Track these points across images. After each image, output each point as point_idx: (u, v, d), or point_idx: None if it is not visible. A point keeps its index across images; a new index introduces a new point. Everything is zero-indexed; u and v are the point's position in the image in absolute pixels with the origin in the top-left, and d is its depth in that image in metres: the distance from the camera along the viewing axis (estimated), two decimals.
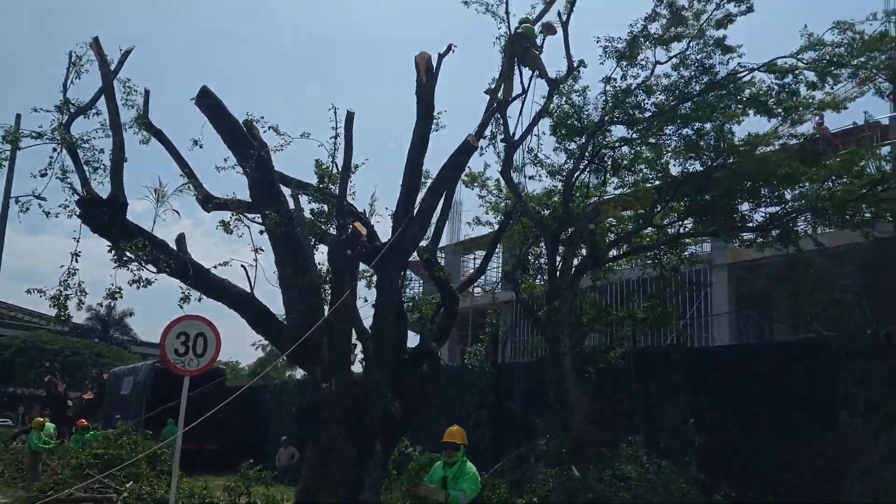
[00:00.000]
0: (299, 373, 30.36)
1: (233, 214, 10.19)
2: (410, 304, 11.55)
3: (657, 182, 13.82)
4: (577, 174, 13.39)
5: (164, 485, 12.20)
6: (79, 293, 8.47)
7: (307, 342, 9.87)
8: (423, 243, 11.34)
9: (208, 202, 10.33)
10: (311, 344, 9.92)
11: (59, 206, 8.11)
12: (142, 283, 8.42)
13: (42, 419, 16.28)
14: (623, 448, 10.78)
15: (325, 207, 10.58)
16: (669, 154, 13.67)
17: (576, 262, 13.22)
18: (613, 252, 13.77)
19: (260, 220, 10.31)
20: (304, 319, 9.92)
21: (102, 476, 11.52)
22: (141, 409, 24.09)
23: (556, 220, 13.20)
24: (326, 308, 10.07)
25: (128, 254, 8.25)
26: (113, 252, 8.22)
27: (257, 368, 28.74)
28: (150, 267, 8.64)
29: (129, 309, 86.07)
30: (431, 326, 11.28)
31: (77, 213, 8.25)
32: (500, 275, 28.73)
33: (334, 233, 10.52)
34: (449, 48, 10.77)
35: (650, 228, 13.73)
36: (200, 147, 10.06)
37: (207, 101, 10.04)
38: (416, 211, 10.80)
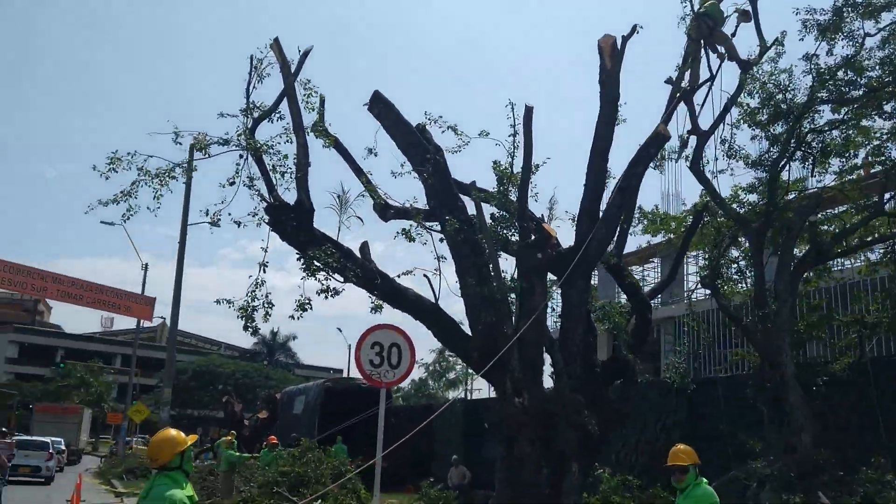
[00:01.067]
0: (455, 391, 30.01)
1: (414, 222, 9.77)
2: (599, 312, 10.61)
3: (878, 167, 12.04)
4: (783, 163, 11.90)
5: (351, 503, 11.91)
6: (266, 305, 8.26)
7: (495, 354, 9.21)
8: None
9: (387, 210, 9.96)
10: (500, 356, 9.25)
11: (249, 215, 7.94)
12: (329, 294, 8.08)
13: (230, 437, 16.76)
14: (864, 472, 9.23)
15: (506, 213, 9.90)
16: (887, 135, 11.90)
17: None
18: (836, 248, 12.00)
19: (439, 228, 9.82)
20: (491, 330, 9.28)
21: (291, 495, 11.37)
22: (313, 427, 24.48)
23: (759, 216, 11.77)
24: (513, 318, 9.36)
25: (316, 262, 7.93)
26: (301, 261, 7.94)
27: (420, 386, 28.70)
28: (337, 276, 8.29)
29: (292, 333, 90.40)
30: (626, 336, 10.30)
31: (266, 221, 8.04)
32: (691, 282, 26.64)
33: (516, 238, 9.83)
34: (634, 29, 9.86)
35: (879, 220, 11.89)
36: (375, 155, 9.72)
37: (380, 106, 9.72)
38: (602, 213, 9.92)
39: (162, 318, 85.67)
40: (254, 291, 8.27)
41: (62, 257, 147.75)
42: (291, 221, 7.92)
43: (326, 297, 8.12)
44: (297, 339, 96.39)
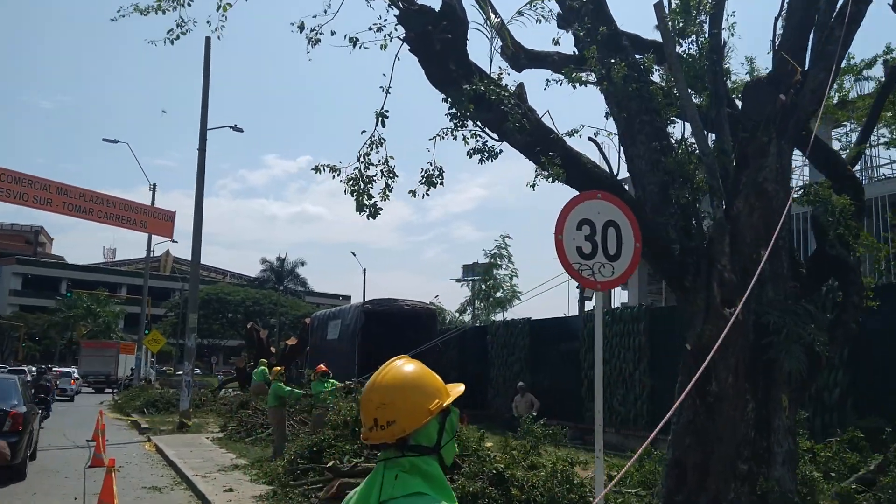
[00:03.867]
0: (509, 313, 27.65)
1: (553, 71, 6.97)
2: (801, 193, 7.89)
3: None
4: None
5: None
6: (386, 174, 5.57)
7: (689, 253, 6.58)
8: None
9: (519, 56, 7.12)
10: (693, 254, 6.63)
11: (372, 28, 5.13)
12: (485, 156, 5.37)
13: (280, 368, 14.30)
14: None
15: (697, 47, 7.05)
16: None
17: None
18: None
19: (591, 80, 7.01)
20: (678, 220, 6.64)
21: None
22: (353, 353, 22.19)
23: None
24: (719, 198, 6.64)
25: (463, 110, 5.17)
26: (450, 105, 5.19)
27: (463, 308, 26.39)
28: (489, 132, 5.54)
29: (300, 259, 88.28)
30: (841, 228, 7.61)
31: (401, 37, 5.25)
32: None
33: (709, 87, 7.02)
34: None
35: None
36: None
37: None
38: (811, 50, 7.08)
39: (175, 241, 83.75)
40: (367, 155, 5.56)
41: None
42: (440, 34, 5.10)
43: (481, 161, 5.43)
44: (305, 266, 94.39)
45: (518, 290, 27.73)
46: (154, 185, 35.45)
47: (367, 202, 5.55)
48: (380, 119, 5.51)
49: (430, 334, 23.47)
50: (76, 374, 38.40)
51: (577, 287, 24.75)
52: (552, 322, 19.82)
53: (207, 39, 20.60)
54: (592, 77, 7.05)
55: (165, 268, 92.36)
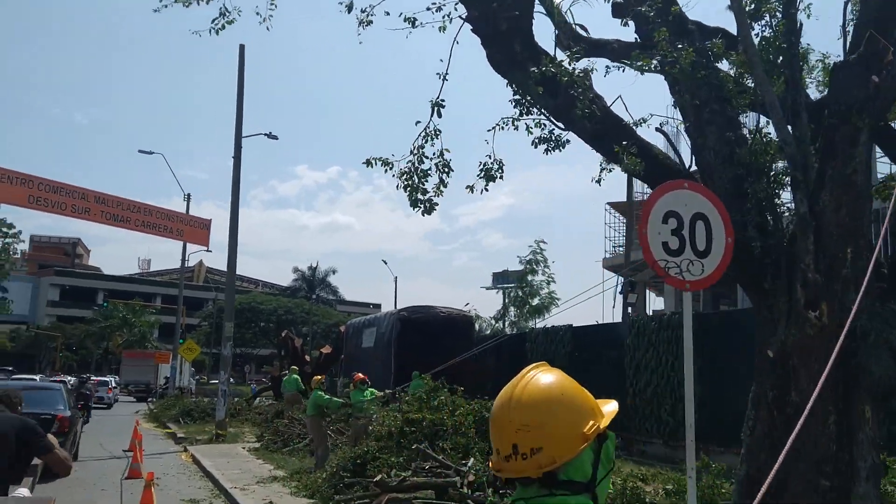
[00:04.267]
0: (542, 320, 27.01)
1: (637, 54, 6.51)
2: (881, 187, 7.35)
3: None
4: None
5: None
6: (441, 168, 5.17)
7: (767, 252, 6.10)
8: None
9: (579, 43, 6.66)
10: (772, 253, 6.13)
11: (430, 9, 4.74)
12: (551, 146, 4.94)
13: (320, 377, 13.92)
14: None
15: (771, 29, 6.55)
16: None
17: None
18: None
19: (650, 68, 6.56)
20: (754, 216, 6.14)
21: (428, 449, 8.52)
22: (389, 361, 21.84)
23: None
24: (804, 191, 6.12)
25: (526, 96, 4.75)
26: (514, 90, 4.77)
27: (500, 315, 25.88)
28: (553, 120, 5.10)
29: (331, 268, 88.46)
30: None
31: (462, 17, 4.85)
32: None
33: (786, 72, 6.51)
34: None
35: None
36: None
37: None
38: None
39: (209, 250, 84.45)
40: (421, 148, 5.17)
41: None
42: (505, 13, 4.69)
43: (547, 151, 5.01)
44: (336, 274, 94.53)
45: (556, 296, 27.27)
46: (188, 195, 35.50)
47: (421, 197, 5.14)
48: (435, 109, 5.12)
49: (468, 342, 23.05)
50: (113, 384, 39.93)
51: (620, 292, 24.16)
52: (595, 329, 19.27)
53: (241, 47, 20.49)
54: (657, 65, 6.61)
55: (199, 277, 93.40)
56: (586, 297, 22.37)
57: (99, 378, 40.20)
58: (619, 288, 22.74)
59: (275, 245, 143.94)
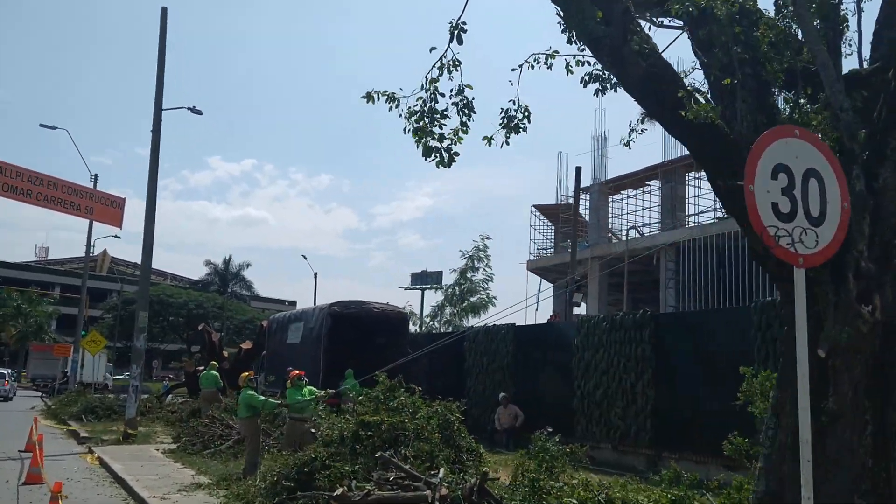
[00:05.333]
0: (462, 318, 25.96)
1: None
2: None
3: None
4: None
5: (475, 469, 8.08)
6: (463, 110, 4.13)
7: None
8: None
9: None
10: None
11: None
12: (602, 85, 3.97)
13: (249, 373, 12.45)
14: None
15: None
16: None
17: None
18: None
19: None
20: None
21: (393, 457, 7.44)
22: (318, 358, 20.46)
23: None
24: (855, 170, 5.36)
25: (581, 18, 3.77)
26: (564, 14, 3.77)
27: (435, 312, 24.80)
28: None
29: (245, 262, 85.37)
30: None
31: None
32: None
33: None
34: None
35: None
36: None
37: None
38: None
39: (117, 236, 79.43)
40: (435, 82, 4.11)
41: None
42: None
43: (597, 93, 4.06)
44: (250, 269, 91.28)
45: (493, 296, 26.51)
46: (96, 175, 32.78)
47: (437, 144, 4.08)
48: (455, 34, 4.06)
49: (402, 340, 21.89)
50: (8, 376, 37.75)
51: (566, 290, 23.56)
52: (540, 328, 18.56)
53: (164, 10, 18.79)
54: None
55: (102, 267, 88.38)
56: (532, 302, 21.48)
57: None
58: (568, 287, 22.11)
59: (185, 237, 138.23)
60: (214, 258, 79.70)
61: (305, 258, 62.74)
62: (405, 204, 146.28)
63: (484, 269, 25.95)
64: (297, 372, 11.99)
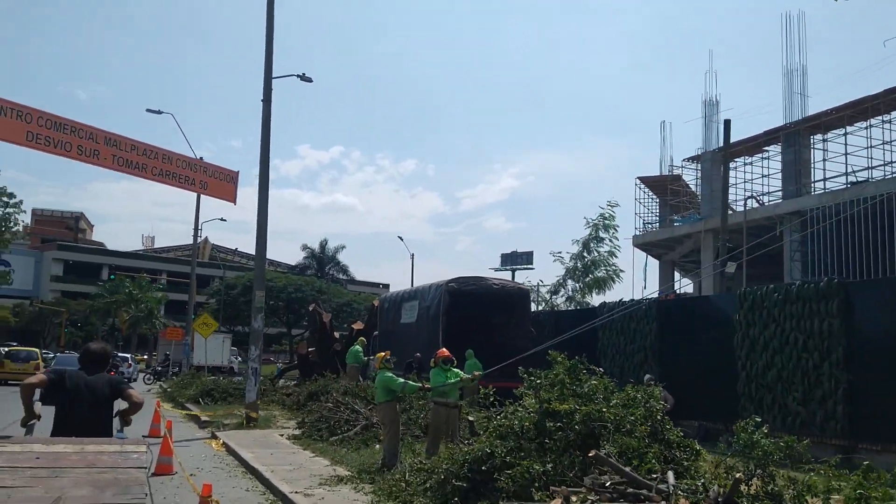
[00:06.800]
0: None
1: None
2: None
3: None
4: None
5: (695, 470, 6.51)
6: None
7: None
8: None
9: None
10: None
11: None
12: None
13: (385, 353, 11.24)
14: None
15: None
16: None
17: None
18: None
19: None
20: None
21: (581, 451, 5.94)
22: (436, 338, 19.23)
23: None
24: None
25: None
26: None
27: (556, 288, 23.10)
28: None
29: (341, 244, 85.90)
30: None
31: None
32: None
33: None
34: None
35: None
36: None
37: None
38: None
39: (223, 219, 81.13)
40: None
41: (95, 181, 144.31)
42: None
43: None
44: (346, 249, 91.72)
45: (619, 269, 24.55)
46: (201, 158, 32.69)
47: None
48: None
49: (523, 318, 20.43)
50: (130, 360, 39.52)
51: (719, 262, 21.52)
52: (687, 303, 16.66)
53: None
54: None
55: (204, 254, 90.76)
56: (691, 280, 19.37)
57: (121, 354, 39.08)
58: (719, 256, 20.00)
59: (277, 224, 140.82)
60: (310, 244, 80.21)
61: (402, 239, 62.17)
62: (491, 187, 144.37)
63: (610, 240, 23.95)
64: (445, 352, 10.65)
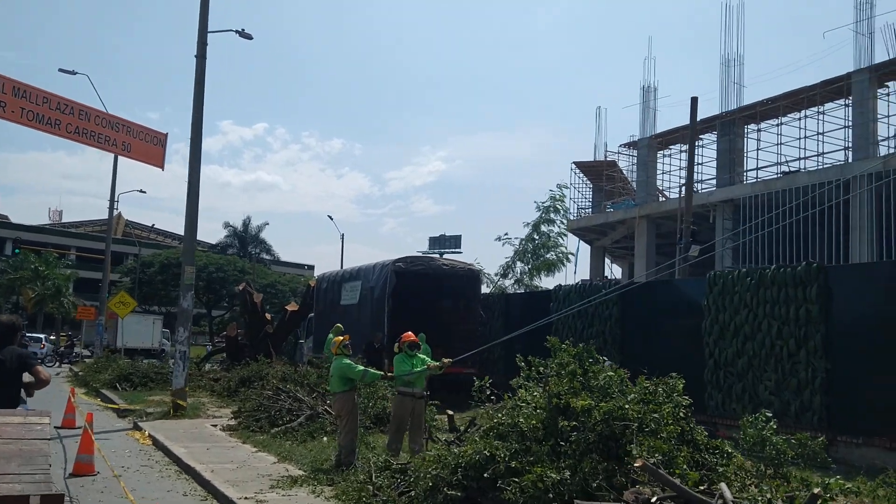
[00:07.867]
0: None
1: None
2: None
3: None
4: None
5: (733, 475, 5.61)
6: None
7: None
8: None
9: None
10: None
11: None
12: None
13: (343, 337, 9.95)
14: None
15: None
16: None
17: None
18: None
19: None
20: None
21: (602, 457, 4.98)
22: (381, 321, 18.08)
23: None
24: None
25: None
26: None
27: (505, 270, 22.22)
28: None
29: (265, 222, 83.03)
30: None
31: None
32: None
33: None
34: None
35: None
36: None
37: None
38: None
39: (142, 190, 76.67)
40: None
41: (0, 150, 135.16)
42: None
43: None
44: (270, 229, 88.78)
45: (570, 252, 23.94)
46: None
47: None
48: None
49: (474, 301, 19.49)
50: (45, 341, 37.09)
51: (680, 244, 21.01)
52: (650, 287, 15.99)
53: None
54: None
55: (117, 230, 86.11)
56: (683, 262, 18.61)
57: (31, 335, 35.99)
58: (681, 241, 19.42)
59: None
60: (232, 221, 77.11)
61: (332, 219, 60.22)
62: (419, 169, 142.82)
63: (560, 223, 23.27)
64: (411, 336, 9.50)
